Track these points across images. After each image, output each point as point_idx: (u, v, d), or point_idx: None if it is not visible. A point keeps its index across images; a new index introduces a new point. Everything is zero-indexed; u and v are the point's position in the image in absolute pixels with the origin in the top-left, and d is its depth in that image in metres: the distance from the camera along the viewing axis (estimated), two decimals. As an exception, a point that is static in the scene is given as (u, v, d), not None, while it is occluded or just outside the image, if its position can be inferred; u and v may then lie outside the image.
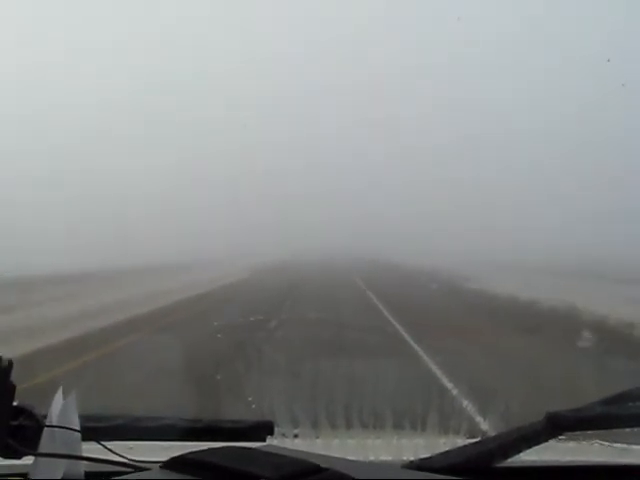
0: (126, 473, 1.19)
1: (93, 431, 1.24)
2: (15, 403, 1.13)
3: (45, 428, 1.14)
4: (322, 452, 1.31)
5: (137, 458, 1.24)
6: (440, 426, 2.21)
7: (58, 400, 1.18)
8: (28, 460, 1.14)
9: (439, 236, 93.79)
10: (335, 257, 72.53)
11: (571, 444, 1.61)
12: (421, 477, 1.19)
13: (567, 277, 27.71)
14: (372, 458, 1.53)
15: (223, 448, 1.19)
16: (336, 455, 1.30)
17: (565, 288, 19.69)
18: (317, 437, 1.97)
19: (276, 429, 1.39)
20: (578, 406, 1.33)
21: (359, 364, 6.96)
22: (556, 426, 1.29)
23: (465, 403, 5.95)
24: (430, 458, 1.27)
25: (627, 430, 1.45)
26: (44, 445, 1.12)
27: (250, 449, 1.19)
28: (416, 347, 10.11)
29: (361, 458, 1.48)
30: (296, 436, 1.88)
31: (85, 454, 1.18)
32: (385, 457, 1.53)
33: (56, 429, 1.14)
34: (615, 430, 1.43)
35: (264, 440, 1.35)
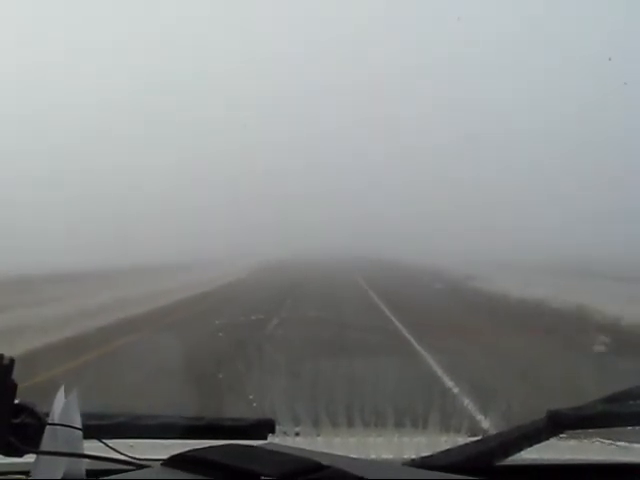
0: (128, 471, 1.19)
1: (95, 429, 1.24)
2: (16, 401, 1.13)
3: (47, 426, 1.14)
4: (323, 450, 1.31)
5: (139, 456, 1.24)
6: (441, 424, 2.22)
7: (60, 398, 1.18)
8: (30, 458, 1.14)
9: (439, 236, 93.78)
10: (335, 257, 72.55)
11: (572, 442, 1.61)
12: (422, 475, 1.19)
13: (570, 277, 27.65)
14: (373, 456, 1.53)
15: (224, 446, 1.19)
16: (337, 453, 1.30)
17: (571, 288, 19.59)
18: (318, 435, 1.97)
19: (277, 427, 1.39)
20: (579, 404, 1.33)
21: (360, 363, 6.97)
22: (557, 424, 1.29)
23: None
24: (431, 456, 1.27)
25: (628, 428, 1.45)
26: (46, 443, 1.13)
27: (251, 447, 1.19)
28: (418, 347, 10.11)
29: (362, 456, 1.48)
30: (297, 434, 1.88)
31: (87, 452, 1.18)
32: (386, 455, 1.53)
33: (58, 427, 1.14)
34: (616, 428, 1.44)
35: (265, 438, 1.35)
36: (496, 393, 6.16)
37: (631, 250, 44.86)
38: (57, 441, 1.13)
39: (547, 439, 1.30)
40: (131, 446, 1.30)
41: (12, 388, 1.11)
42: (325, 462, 1.08)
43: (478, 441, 1.34)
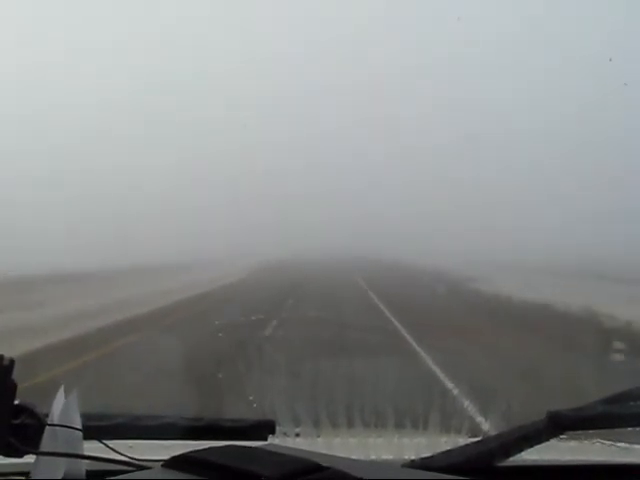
0: (128, 472, 1.19)
1: (94, 430, 1.24)
2: (16, 402, 1.13)
3: (46, 427, 1.14)
4: (323, 451, 1.31)
5: (138, 457, 1.24)
6: (441, 425, 2.21)
7: (59, 399, 1.18)
8: (30, 459, 1.14)
9: (439, 236, 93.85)
10: (335, 257, 72.53)
11: (572, 443, 1.61)
12: (422, 476, 1.19)
13: (572, 278, 27.58)
14: (373, 457, 1.53)
15: (224, 447, 1.19)
16: (337, 454, 1.30)
17: (576, 290, 19.51)
18: (318, 436, 1.97)
19: (277, 428, 1.39)
20: (579, 405, 1.33)
21: (360, 363, 6.97)
22: (557, 425, 1.29)
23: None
24: (431, 457, 1.27)
25: (629, 429, 1.45)
26: (45, 444, 1.12)
27: (252, 448, 1.19)
28: (417, 348, 10.11)
29: (362, 457, 1.48)
30: (297, 435, 1.88)
31: (86, 453, 1.18)
32: (386, 456, 1.53)
33: (57, 428, 1.14)
34: (616, 429, 1.44)
35: (265, 439, 1.35)
36: (496, 394, 6.15)
37: (631, 250, 44.86)
38: (57, 442, 1.13)
39: (547, 440, 1.30)
40: (131, 447, 1.30)
41: (12, 389, 1.11)
42: (325, 463, 1.08)
43: (478, 442, 1.34)
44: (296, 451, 1.22)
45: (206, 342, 10.30)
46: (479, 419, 5.23)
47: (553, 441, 1.33)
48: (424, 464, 1.24)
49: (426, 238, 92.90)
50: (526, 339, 10.92)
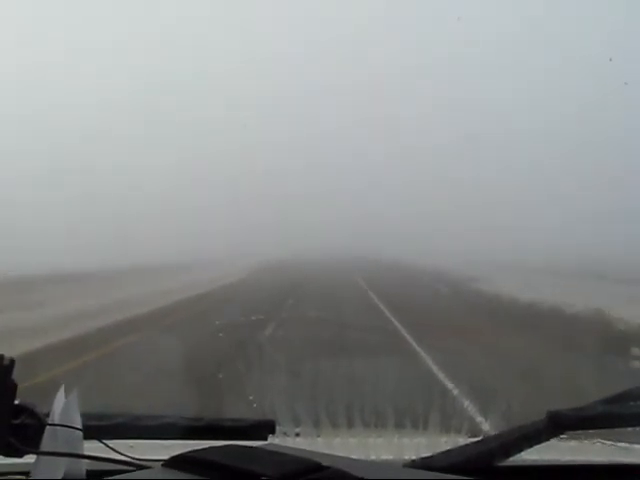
0: (128, 471, 1.19)
1: (95, 429, 1.24)
2: (17, 401, 1.13)
3: (47, 427, 1.14)
4: (324, 451, 1.31)
5: (139, 457, 1.24)
6: (441, 425, 2.21)
7: (60, 399, 1.18)
8: (30, 459, 1.14)
9: (439, 236, 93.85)
10: (335, 257, 72.53)
11: (573, 443, 1.61)
12: (422, 476, 1.19)
13: (574, 279, 27.50)
14: (373, 457, 1.53)
15: (225, 447, 1.19)
16: (338, 454, 1.30)
17: (581, 291, 19.39)
18: (318, 436, 1.97)
19: (278, 428, 1.39)
20: (580, 405, 1.33)
21: (360, 363, 6.97)
22: (558, 425, 1.29)
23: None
24: (431, 457, 1.27)
25: (629, 429, 1.45)
26: (46, 443, 1.13)
27: (252, 448, 1.19)
28: (417, 348, 10.12)
29: (362, 457, 1.48)
30: (297, 435, 1.88)
31: (87, 452, 1.18)
32: (386, 456, 1.53)
33: (58, 427, 1.14)
34: (617, 429, 1.44)
35: (265, 439, 1.35)
36: (496, 394, 6.15)
37: (631, 250, 44.87)
38: (57, 441, 1.13)
39: (547, 440, 1.30)
40: (131, 447, 1.30)
41: (12, 388, 1.11)
42: (325, 463, 1.08)
43: (478, 442, 1.34)
44: (296, 451, 1.22)
45: (206, 342, 10.30)
46: (479, 419, 5.23)
47: (553, 441, 1.33)
48: (424, 464, 1.25)
49: (426, 238, 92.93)
50: (525, 338, 10.91)
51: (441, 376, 7.76)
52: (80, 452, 1.16)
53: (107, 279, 26.00)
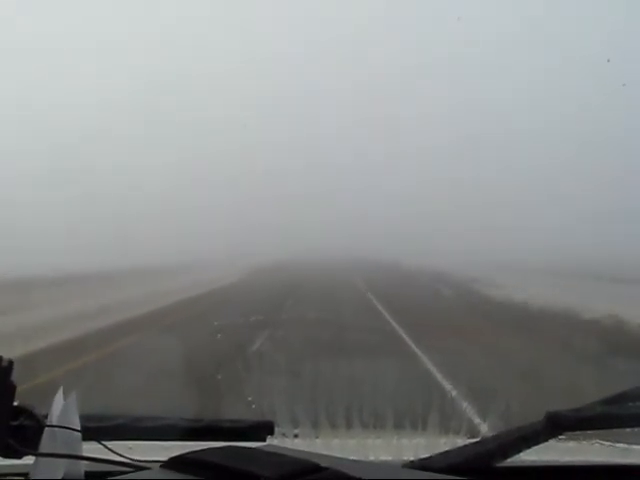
0: (126, 473, 1.19)
1: (93, 431, 1.24)
2: (15, 403, 1.13)
3: (45, 428, 1.14)
4: (322, 452, 1.31)
5: (137, 458, 1.24)
6: (440, 426, 2.21)
7: (58, 400, 1.19)
8: (29, 460, 1.14)
9: (439, 236, 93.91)
10: (335, 257, 72.46)
11: (571, 444, 1.61)
12: (421, 477, 1.19)
13: (578, 279, 27.41)
14: (372, 458, 1.53)
15: (223, 448, 1.19)
16: (336, 455, 1.30)
17: (591, 293, 19.26)
18: (317, 437, 1.97)
19: (276, 429, 1.39)
20: (578, 406, 1.33)
21: (359, 364, 6.96)
22: (556, 426, 1.29)
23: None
24: (430, 458, 1.27)
25: (627, 430, 1.45)
26: (44, 445, 1.13)
27: (250, 449, 1.19)
28: (415, 349, 10.12)
29: (361, 458, 1.48)
30: (296, 436, 1.88)
31: (85, 454, 1.18)
32: (385, 457, 1.53)
33: (56, 429, 1.14)
34: (615, 430, 1.44)
35: (264, 440, 1.35)
36: (495, 396, 6.14)
37: (631, 250, 44.87)
38: (56, 443, 1.13)
39: (546, 440, 1.30)
40: (130, 448, 1.30)
41: (11, 390, 1.11)
42: (324, 464, 1.08)
43: (477, 443, 1.34)
44: (295, 452, 1.22)
45: (205, 343, 10.29)
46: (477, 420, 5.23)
47: (552, 442, 1.33)
48: (423, 465, 1.25)
49: (426, 238, 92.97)
50: (522, 338, 10.91)
51: (439, 377, 7.76)
52: (79, 453, 1.16)
53: (107, 279, 25.97)
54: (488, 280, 26.49)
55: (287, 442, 1.68)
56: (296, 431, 1.92)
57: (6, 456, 1.14)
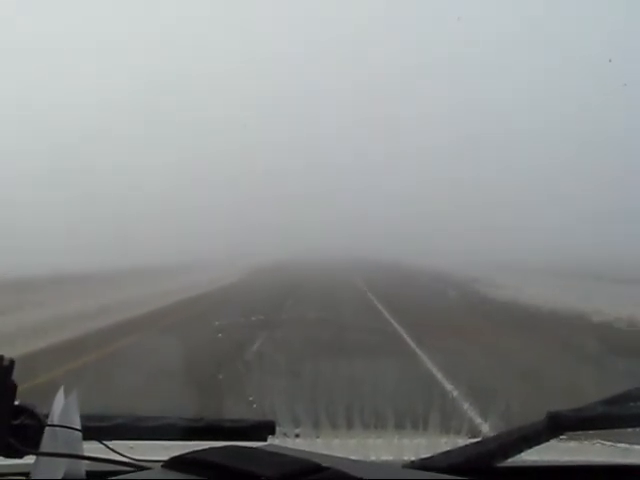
0: (127, 472, 1.19)
1: (94, 430, 1.24)
2: (16, 402, 1.13)
3: (46, 427, 1.14)
4: (323, 452, 1.31)
5: (138, 457, 1.24)
6: (441, 426, 2.21)
7: (59, 399, 1.18)
8: (29, 459, 1.14)
9: (439, 236, 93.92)
10: (335, 257, 72.46)
11: (572, 444, 1.61)
12: (422, 476, 1.19)
13: (579, 279, 27.36)
14: (373, 458, 1.53)
15: (224, 447, 1.19)
16: (337, 455, 1.30)
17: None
18: (318, 437, 1.97)
19: (277, 429, 1.39)
20: (579, 406, 1.33)
21: (359, 364, 6.96)
22: (557, 426, 1.29)
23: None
24: (431, 458, 1.27)
25: (629, 430, 1.45)
26: (45, 444, 1.13)
27: (251, 448, 1.19)
28: (416, 349, 10.11)
29: (362, 458, 1.48)
30: (297, 436, 1.88)
31: (86, 453, 1.18)
32: (386, 457, 1.53)
33: (57, 428, 1.14)
34: (616, 430, 1.44)
35: (265, 440, 1.35)
36: (495, 395, 6.14)
37: (631, 250, 44.87)
38: (57, 442, 1.13)
39: (547, 440, 1.30)
40: (131, 447, 1.30)
41: (12, 389, 1.11)
42: (325, 463, 1.08)
43: (478, 442, 1.34)
44: (296, 451, 1.22)
45: (206, 343, 10.29)
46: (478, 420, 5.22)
47: (553, 442, 1.33)
48: (424, 465, 1.25)
49: (426, 238, 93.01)
50: (522, 338, 10.91)
51: (440, 377, 7.75)
52: (80, 453, 1.16)
53: (107, 279, 25.97)
54: (488, 280, 26.51)
55: (288, 442, 1.68)
56: (297, 431, 1.92)
57: (7, 455, 1.14)
